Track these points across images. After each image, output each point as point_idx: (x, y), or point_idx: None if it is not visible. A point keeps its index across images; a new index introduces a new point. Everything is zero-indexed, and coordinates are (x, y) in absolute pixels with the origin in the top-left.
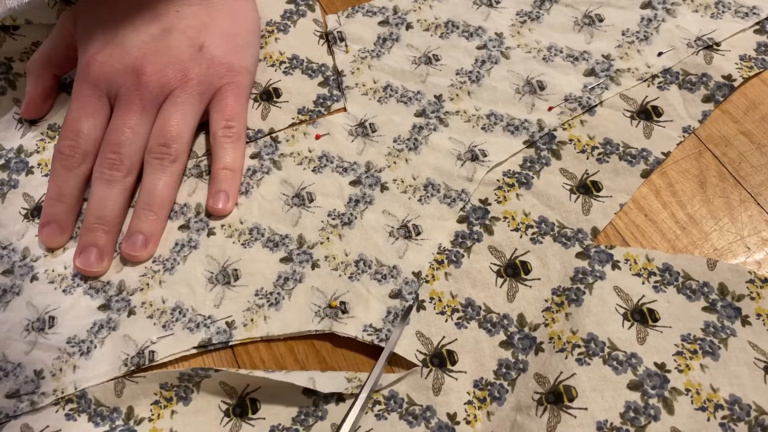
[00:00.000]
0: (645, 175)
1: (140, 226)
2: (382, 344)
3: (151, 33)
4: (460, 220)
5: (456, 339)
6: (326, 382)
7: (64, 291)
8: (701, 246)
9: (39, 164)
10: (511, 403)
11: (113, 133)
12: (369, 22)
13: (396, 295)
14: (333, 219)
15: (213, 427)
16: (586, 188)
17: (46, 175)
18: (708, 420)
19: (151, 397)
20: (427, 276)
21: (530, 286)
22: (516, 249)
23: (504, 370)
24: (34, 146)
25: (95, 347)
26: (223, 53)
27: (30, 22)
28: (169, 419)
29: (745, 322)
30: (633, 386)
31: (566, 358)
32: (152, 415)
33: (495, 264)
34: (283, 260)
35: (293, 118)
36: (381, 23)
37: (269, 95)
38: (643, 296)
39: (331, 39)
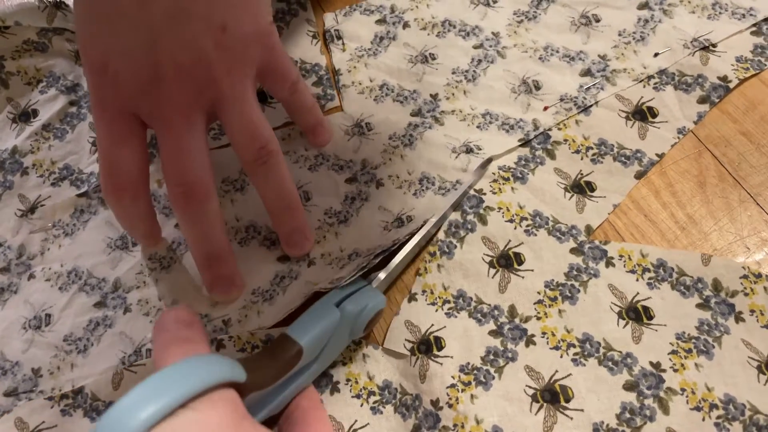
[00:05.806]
0: (639, 176)
1: (291, 225)
2: (341, 282)
3: (155, 18)
4: (454, 208)
5: (445, 327)
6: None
7: (60, 288)
8: (701, 246)
9: (34, 165)
10: (499, 391)
11: (167, 164)
12: (366, 21)
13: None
14: (330, 217)
15: None
16: (580, 188)
17: (41, 176)
18: (703, 420)
19: None
20: (419, 269)
21: (523, 277)
22: (510, 240)
23: (491, 357)
24: (28, 147)
25: (92, 345)
26: (251, 25)
27: (19, 24)
28: None
29: (738, 318)
30: (629, 387)
31: (561, 357)
32: None
33: (488, 255)
34: (281, 259)
35: (286, 117)
36: (378, 22)
37: (263, 96)
38: (638, 293)
39: (328, 37)
